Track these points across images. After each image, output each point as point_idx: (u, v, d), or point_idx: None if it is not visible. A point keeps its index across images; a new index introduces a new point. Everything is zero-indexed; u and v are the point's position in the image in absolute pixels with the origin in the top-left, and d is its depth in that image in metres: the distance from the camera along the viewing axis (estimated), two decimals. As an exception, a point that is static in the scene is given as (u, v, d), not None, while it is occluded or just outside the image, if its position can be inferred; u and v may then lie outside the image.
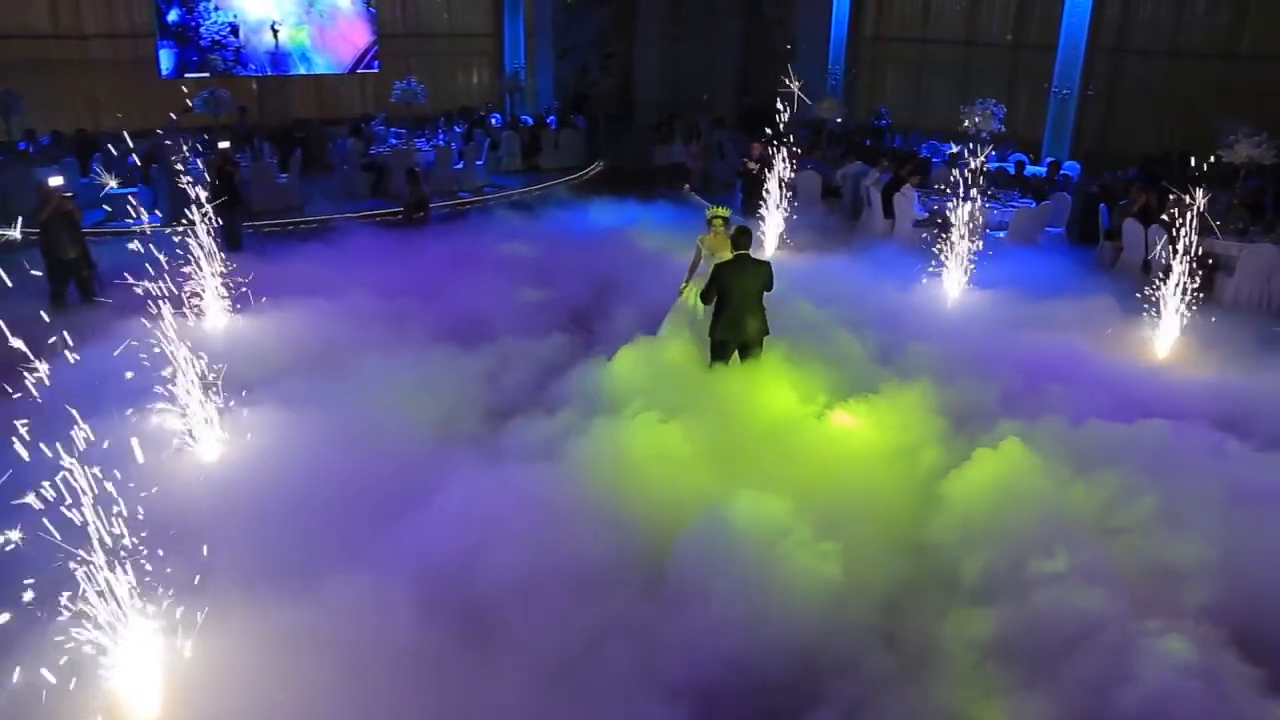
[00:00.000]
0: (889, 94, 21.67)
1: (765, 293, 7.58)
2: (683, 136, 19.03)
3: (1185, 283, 9.08)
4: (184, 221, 8.29)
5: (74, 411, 4.23)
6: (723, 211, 8.65)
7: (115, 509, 4.11)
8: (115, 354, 6.14)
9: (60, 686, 3.82)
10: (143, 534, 4.18)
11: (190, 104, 15.87)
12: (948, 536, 5.93)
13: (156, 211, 13.12)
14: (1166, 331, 9.25)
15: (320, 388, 7.26)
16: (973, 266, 10.61)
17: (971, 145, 10.49)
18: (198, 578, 4.32)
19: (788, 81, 11.17)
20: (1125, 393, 8.03)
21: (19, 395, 4.40)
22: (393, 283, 10.55)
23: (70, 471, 4.01)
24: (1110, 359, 8.89)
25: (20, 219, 5.52)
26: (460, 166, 17.25)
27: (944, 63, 20.53)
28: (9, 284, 4.33)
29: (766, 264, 7.47)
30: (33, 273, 6.66)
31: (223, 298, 9.00)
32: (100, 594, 4.00)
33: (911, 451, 6.86)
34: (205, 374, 6.44)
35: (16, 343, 4.29)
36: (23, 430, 4.07)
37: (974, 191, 10.33)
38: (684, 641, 4.99)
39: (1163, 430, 7.05)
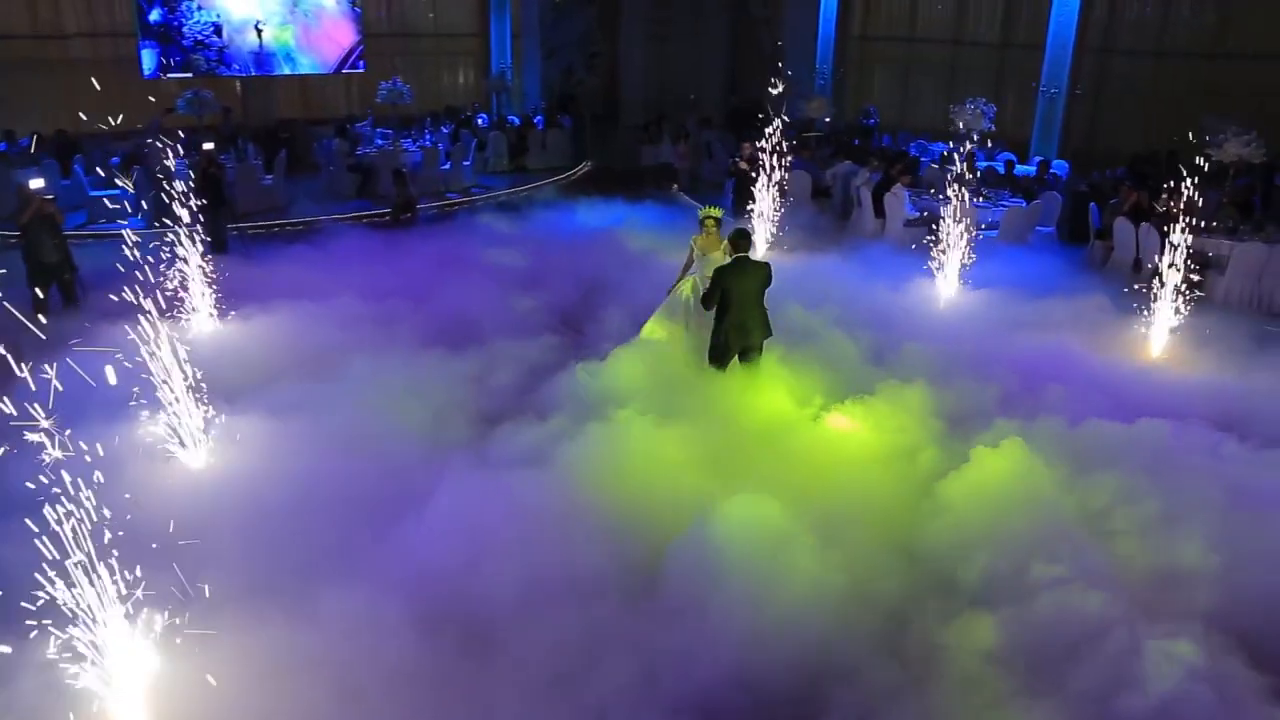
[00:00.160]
0: (876, 93, 21.65)
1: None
2: (671, 136, 18.96)
3: (1178, 282, 9.06)
4: (168, 224, 8.15)
5: (53, 420, 4.10)
6: (715, 212, 8.59)
7: (99, 521, 3.98)
8: (99, 360, 6.00)
9: (43, 709, 3.69)
10: (128, 547, 4.05)
11: (174, 105, 15.68)
12: (947, 540, 5.87)
13: (140, 215, 12.95)
14: (1160, 331, 9.24)
15: (309, 393, 7.14)
16: (965, 267, 10.58)
17: (965, 145, 10.44)
18: (186, 592, 4.19)
19: (773, 87, 11.09)
20: (1121, 393, 8.00)
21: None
22: (381, 285, 10.43)
23: (53, 482, 3.88)
24: (1105, 359, 8.86)
25: (-1, 222, 5.38)
26: (447, 167, 17.12)
27: (931, 62, 20.53)
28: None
29: (766, 264, 7.40)
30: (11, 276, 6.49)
31: (208, 301, 8.85)
32: (83, 610, 3.87)
33: (909, 454, 6.81)
34: (192, 380, 6.30)
35: (-2, 349, 4.17)
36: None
37: (965, 191, 10.29)
38: (683, 653, 4.90)
39: (1161, 431, 7.02)
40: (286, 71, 18.12)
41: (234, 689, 3.96)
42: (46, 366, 4.24)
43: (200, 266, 8.64)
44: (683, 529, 5.67)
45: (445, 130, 18.56)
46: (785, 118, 11.42)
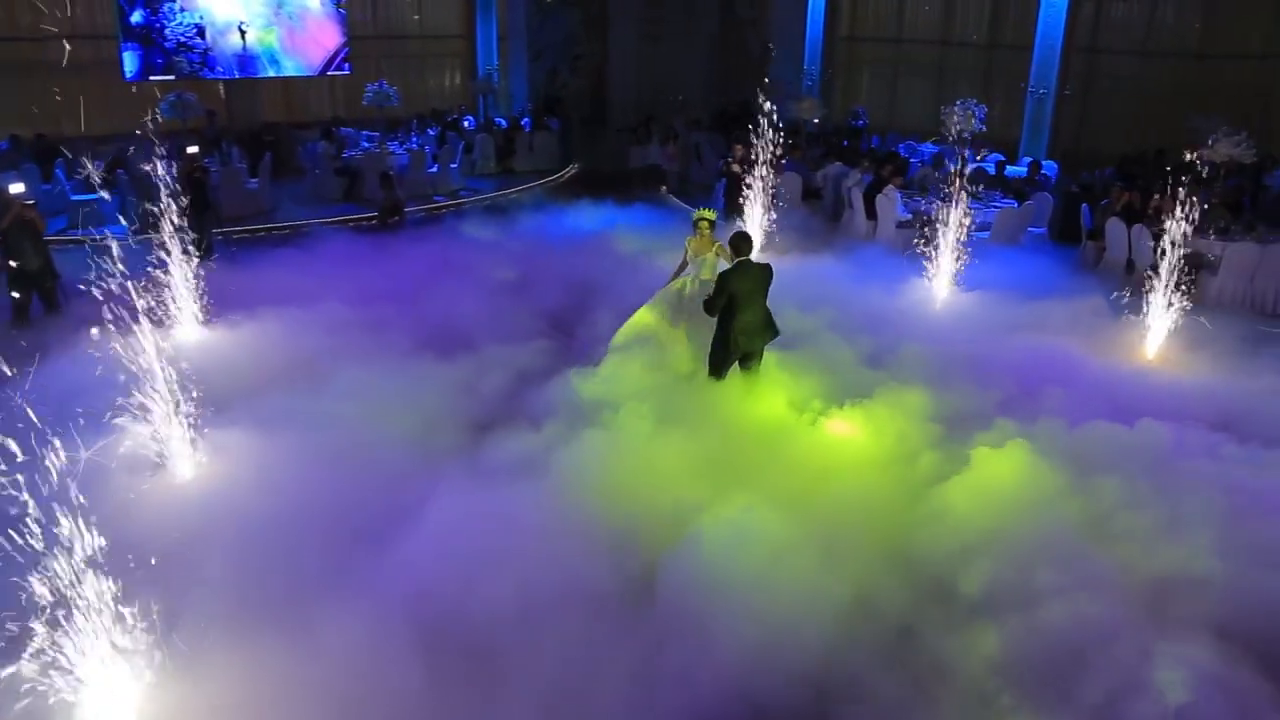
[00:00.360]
0: (864, 95, 21.64)
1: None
2: (659, 138, 18.86)
3: (1173, 282, 9.02)
4: (152, 229, 7.98)
5: (30, 431, 3.95)
6: (709, 214, 8.51)
7: (82, 536, 3.83)
8: (82, 369, 5.87)
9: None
10: (113, 564, 3.90)
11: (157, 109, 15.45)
12: (949, 546, 5.78)
13: (121, 219, 12.74)
14: (1155, 332, 9.20)
15: (298, 402, 6.99)
16: (958, 268, 10.53)
17: (961, 145, 10.40)
18: (174, 612, 4.03)
19: (763, 91, 11.03)
20: (1118, 394, 7.96)
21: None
22: (369, 289, 10.29)
23: (34, 496, 3.73)
24: (1101, 360, 8.82)
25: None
26: (434, 170, 16.98)
27: (919, 63, 20.54)
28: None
29: (768, 265, 7.30)
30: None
31: (194, 308, 8.69)
32: (64, 632, 3.72)
33: (909, 458, 6.74)
34: (178, 389, 6.14)
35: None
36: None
37: (962, 192, 10.24)
38: (683, 668, 4.80)
39: (1161, 433, 6.99)
40: (271, 74, 17.91)
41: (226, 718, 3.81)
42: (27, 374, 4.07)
43: (185, 272, 8.48)
44: (680, 538, 5.58)
45: (432, 133, 18.41)
46: (776, 119, 11.34)
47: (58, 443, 4.04)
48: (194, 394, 6.26)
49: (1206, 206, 8.93)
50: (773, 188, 11.80)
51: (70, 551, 3.79)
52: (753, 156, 11.64)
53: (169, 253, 8.14)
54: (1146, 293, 9.23)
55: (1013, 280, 10.77)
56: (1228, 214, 11.66)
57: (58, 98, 16.10)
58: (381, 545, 5.24)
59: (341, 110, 20.32)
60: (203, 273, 8.76)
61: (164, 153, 7.89)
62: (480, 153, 18.65)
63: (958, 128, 12.42)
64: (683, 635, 4.98)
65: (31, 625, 3.70)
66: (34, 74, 16.96)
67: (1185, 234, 8.88)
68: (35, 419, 4.15)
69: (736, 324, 7.17)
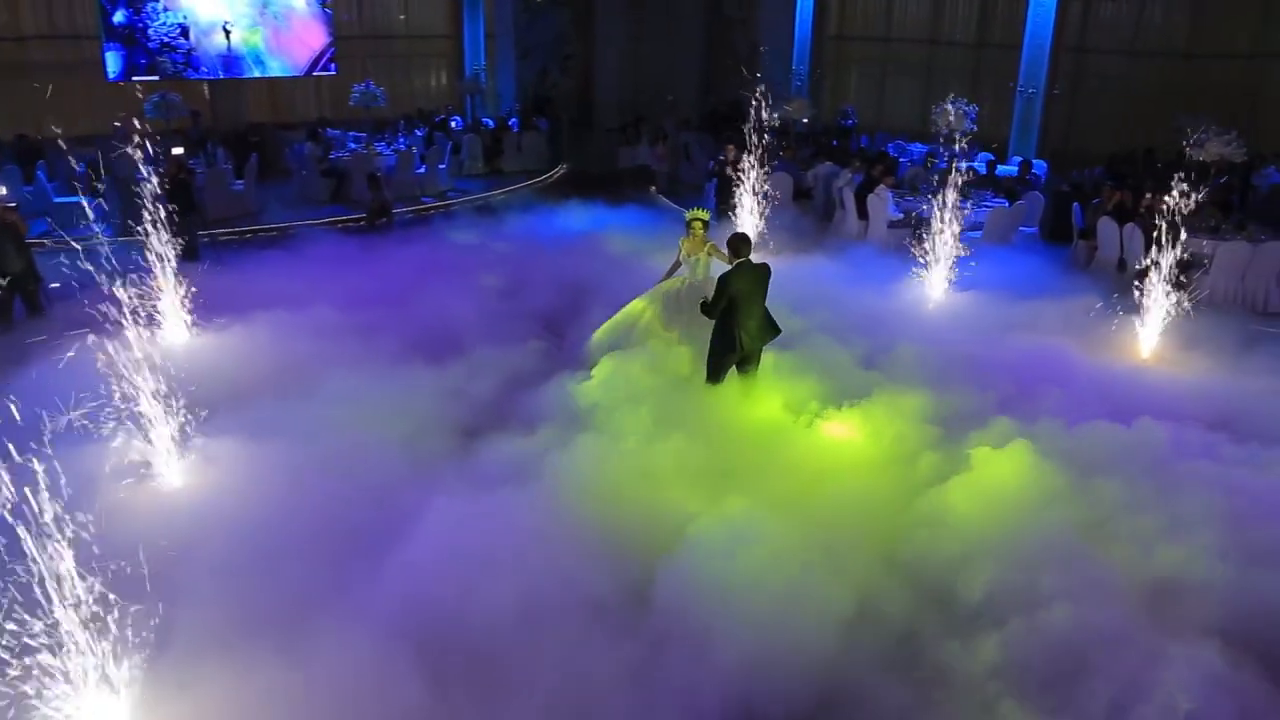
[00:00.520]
0: (853, 94, 21.63)
1: None
2: (649, 138, 18.78)
3: (1166, 281, 9.01)
4: (137, 231, 7.84)
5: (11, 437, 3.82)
6: (703, 214, 8.45)
7: (66, 548, 3.70)
8: (66, 374, 5.72)
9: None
10: (98, 577, 3.77)
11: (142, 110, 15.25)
12: (951, 551, 5.71)
13: (102, 222, 12.54)
14: (1148, 331, 9.19)
15: (288, 408, 6.86)
16: (951, 268, 10.49)
17: (956, 145, 10.36)
18: (164, 628, 3.90)
19: (752, 90, 10.97)
20: (1115, 394, 7.94)
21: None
22: (358, 292, 10.16)
23: (14, 506, 3.60)
24: (1096, 360, 8.81)
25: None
26: (422, 171, 16.85)
27: (908, 62, 20.54)
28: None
29: (766, 265, 7.23)
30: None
31: (181, 312, 8.55)
32: (47, 649, 3.60)
33: (908, 459, 6.68)
34: (164, 395, 6.01)
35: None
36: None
37: (956, 192, 10.21)
38: (683, 674, 4.72)
39: (1160, 433, 6.96)
40: (256, 74, 17.74)
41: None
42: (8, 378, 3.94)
43: (171, 275, 8.33)
44: (678, 543, 5.49)
45: (419, 133, 18.27)
46: (767, 119, 11.28)
47: (40, 449, 3.92)
48: (181, 399, 6.13)
49: (1198, 205, 8.90)
50: (764, 188, 11.74)
51: (55, 562, 3.67)
52: (744, 157, 11.57)
53: (154, 255, 7.99)
54: (1139, 292, 9.21)
55: (1005, 280, 10.75)
56: (1218, 213, 11.67)
57: (34, 86, 15.82)
58: (376, 554, 5.13)
59: (328, 111, 20.16)
60: (188, 276, 8.60)
61: (149, 154, 7.76)
62: (468, 153, 18.52)
63: (949, 127, 12.40)
64: (682, 641, 4.90)
65: (16, 639, 3.57)
66: (14, 75, 16.74)
67: (1179, 233, 8.86)
68: (19, 420, 4.03)
69: (738, 326, 7.08)
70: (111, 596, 3.76)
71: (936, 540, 5.78)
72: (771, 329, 7.33)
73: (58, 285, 9.21)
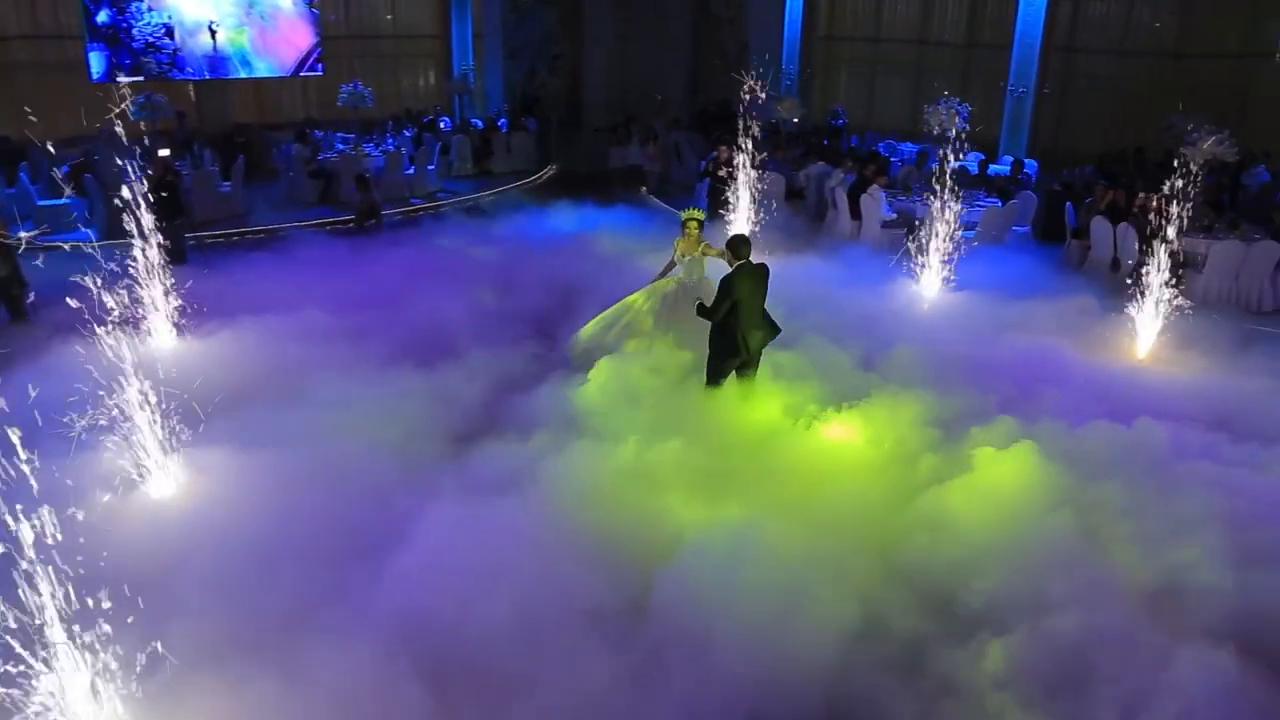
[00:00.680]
0: (842, 94, 21.60)
1: None
2: (640, 138, 18.69)
3: (1162, 280, 8.98)
4: (123, 234, 7.69)
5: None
6: (698, 214, 8.39)
7: (52, 560, 3.57)
8: (52, 380, 5.58)
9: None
10: (85, 591, 3.63)
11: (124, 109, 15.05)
12: (952, 553, 5.65)
13: (87, 225, 12.38)
14: (1145, 331, 9.16)
15: (279, 415, 6.74)
16: (946, 268, 10.45)
17: (950, 145, 10.32)
18: (154, 644, 3.76)
19: (749, 87, 10.89)
20: (1112, 394, 7.93)
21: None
22: (348, 295, 10.04)
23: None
24: (1093, 360, 8.79)
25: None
26: (411, 172, 16.71)
27: (897, 62, 20.53)
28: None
29: (765, 265, 7.15)
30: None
31: (168, 316, 8.40)
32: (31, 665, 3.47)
33: (908, 461, 6.63)
34: (152, 401, 5.87)
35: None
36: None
37: (946, 192, 10.17)
38: (684, 684, 4.64)
39: (1160, 433, 6.92)
40: (242, 75, 17.56)
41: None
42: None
43: (158, 279, 8.19)
44: (677, 551, 5.40)
45: (408, 134, 18.13)
46: (758, 119, 11.22)
47: (26, 457, 3.79)
48: (169, 406, 6.00)
49: (1191, 204, 8.88)
50: (756, 188, 11.69)
51: (41, 576, 3.54)
52: (737, 156, 11.51)
53: (141, 259, 7.84)
54: (1133, 291, 9.19)
55: (1000, 280, 10.72)
56: (1211, 212, 11.67)
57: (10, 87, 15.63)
58: (370, 564, 5.02)
59: (315, 111, 20.00)
60: (176, 279, 8.46)
61: (134, 155, 7.62)
62: (457, 154, 18.39)
63: (941, 126, 12.35)
64: (682, 651, 4.82)
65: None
66: (-4, 75, 16.55)
67: (1173, 232, 8.84)
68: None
69: (741, 329, 6.99)
70: (100, 609, 3.64)
71: (939, 545, 5.72)
72: (772, 329, 7.25)
73: (34, 296, 9.09)
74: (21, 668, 3.46)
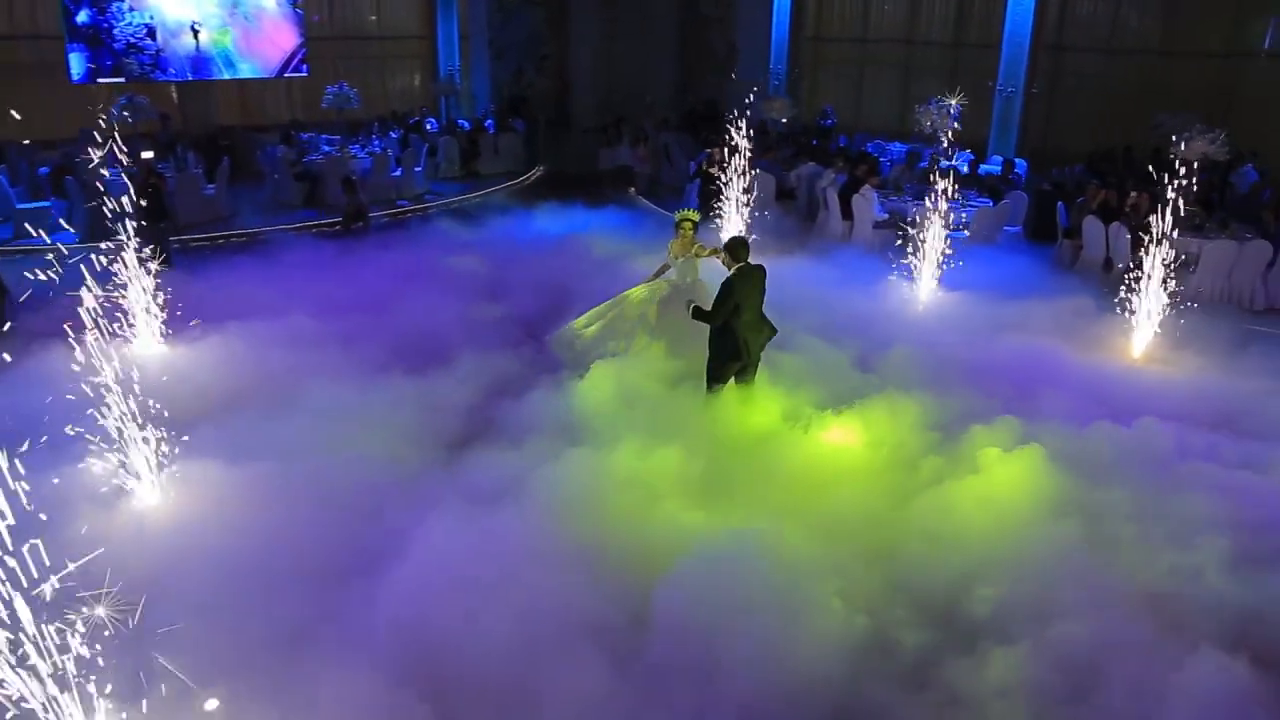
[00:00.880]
0: (830, 94, 21.55)
1: None
2: (630, 139, 18.59)
3: (1156, 280, 8.95)
4: (104, 237, 7.52)
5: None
6: (693, 215, 8.30)
7: (31, 578, 3.42)
8: (33, 389, 5.44)
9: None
10: (68, 611, 3.47)
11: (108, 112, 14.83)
12: (955, 558, 5.58)
13: (69, 227, 12.18)
14: (1140, 330, 9.13)
15: (267, 424, 6.57)
16: (939, 268, 10.40)
17: (943, 145, 10.27)
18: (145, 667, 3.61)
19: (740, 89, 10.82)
20: (1110, 394, 7.90)
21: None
22: (336, 299, 9.88)
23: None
24: (1090, 360, 8.76)
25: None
26: (398, 174, 16.55)
27: (885, 62, 20.50)
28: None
29: (763, 266, 7.05)
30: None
31: (153, 321, 8.23)
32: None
33: (909, 464, 6.56)
34: (138, 410, 5.71)
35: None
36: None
37: (939, 191, 10.12)
38: (684, 695, 4.54)
39: (1161, 435, 6.87)
40: (225, 76, 17.35)
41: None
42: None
43: (142, 283, 8.02)
44: (677, 562, 5.27)
45: (394, 135, 17.96)
46: (753, 120, 11.14)
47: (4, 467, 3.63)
48: (155, 414, 5.84)
49: (1183, 204, 8.85)
50: (747, 188, 11.61)
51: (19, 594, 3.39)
52: (729, 157, 11.42)
53: (124, 263, 7.67)
54: (1127, 291, 9.15)
55: (993, 280, 10.67)
56: (1202, 211, 11.66)
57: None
58: (366, 581, 4.87)
59: (299, 113, 19.80)
60: (160, 283, 8.29)
61: (116, 157, 7.45)
62: (444, 155, 18.24)
63: (933, 126, 12.29)
64: (685, 664, 4.71)
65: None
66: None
67: (1166, 231, 8.81)
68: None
69: (741, 332, 6.89)
70: (80, 631, 3.49)
71: (943, 552, 5.63)
72: (770, 329, 7.16)
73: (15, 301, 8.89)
74: None
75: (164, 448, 5.84)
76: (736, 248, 6.92)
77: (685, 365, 7.76)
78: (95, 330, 5.59)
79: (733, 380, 7.15)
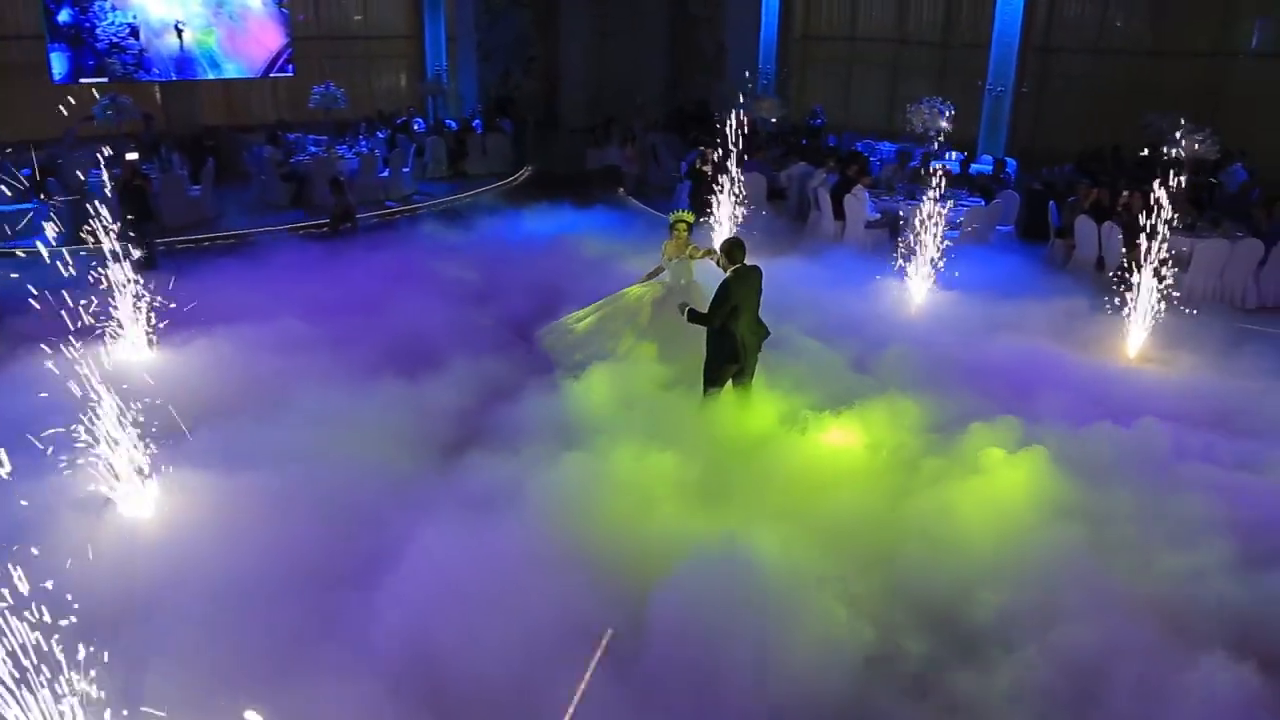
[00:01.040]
0: (818, 94, 21.53)
1: None
2: (619, 140, 18.52)
3: (1151, 280, 8.94)
4: (90, 240, 7.39)
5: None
6: (687, 216, 8.22)
7: (19, 591, 3.31)
8: (18, 395, 5.32)
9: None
10: (58, 625, 3.37)
11: (91, 114, 14.66)
12: (956, 562, 5.52)
13: (52, 230, 11.98)
14: (1133, 330, 9.11)
15: (258, 430, 6.44)
16: (933, 269, 10.36)
17: (935, 146, 10.24)
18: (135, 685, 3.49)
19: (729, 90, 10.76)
20: (1107, 395, 7.90)
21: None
22: (324, 301, 9.76)
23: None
24: (1084, 360, 8.74)
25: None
26: (386, 174, 16.42)
27: (874, 62, 20.48)
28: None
29: (759, 268, 6.98)
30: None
31: (140, 325, 8.09)
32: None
33: (909, 467, 6.50)
34: (125, 416, 5.59)
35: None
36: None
37: (932, 191, 10.09)
38: (685, 703, 4.46)
39: (1160, 435, 6.84)
40: (210, 76, 17.18)
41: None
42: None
43: (127, 286, 7.87)
44: (676, 567, 5.19)
45: (381, 136, 17.83)
46: (740, 118, 11.08)
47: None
48: (142, 420, 5.71)
49: (1175, 203, 8.84)
50: (737, 188, 11.54)
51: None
52: (720, 157, 11.36)
53: (109, 265, 7.53)
54: (1120, 290, 9.14)
55: (986, 280, 10.65)
56: (1193, 210, 11.68)
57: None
58: (363, 591, 4.76)
59: (285, 113, 19.61)
60: (146, 286, 8.15)
61: (100, 158, 7.33)
62: (432, 156, 18.12)
63: (925, 126, 12.28)
64: (683, 670, 4.64)
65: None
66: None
67: (1160, 231, 8.80)
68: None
69: (739, 334, 6.82)
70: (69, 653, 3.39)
71: (943, 555, 5.57)
72: (763, 329, 7.10)
73: None
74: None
75: (152, 455, 5.70)
76: (733, 249, 6.85)
77: (680, 368, 7.68)
78: (80, 334, 5.47)
79: (729, 383, 7.08)
